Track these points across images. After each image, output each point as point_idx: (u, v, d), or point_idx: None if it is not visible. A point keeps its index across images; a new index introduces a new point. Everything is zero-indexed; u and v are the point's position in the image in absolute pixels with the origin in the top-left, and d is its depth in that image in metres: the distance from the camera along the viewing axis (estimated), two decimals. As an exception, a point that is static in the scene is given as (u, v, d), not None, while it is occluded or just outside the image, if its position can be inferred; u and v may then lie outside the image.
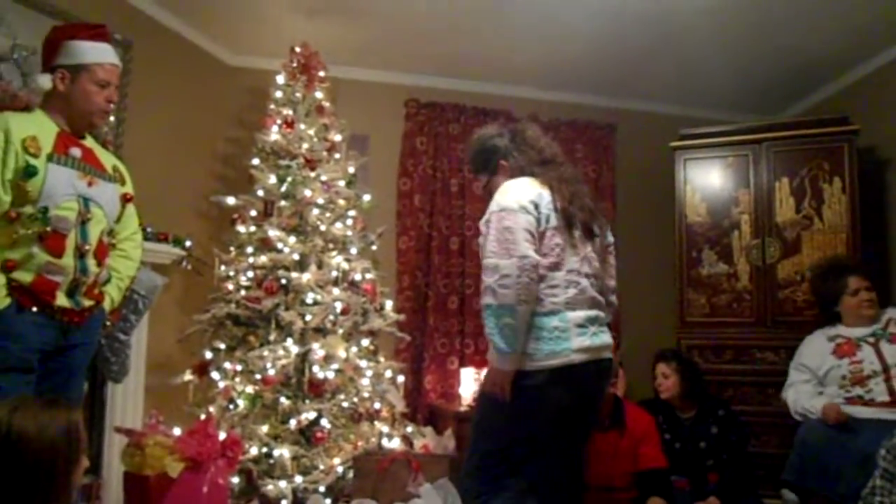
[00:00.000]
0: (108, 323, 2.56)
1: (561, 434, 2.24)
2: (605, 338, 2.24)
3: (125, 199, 2.42)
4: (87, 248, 2.21)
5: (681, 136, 4.41)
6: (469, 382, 4.32)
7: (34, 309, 2.11)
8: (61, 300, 2.17)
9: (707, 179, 4.31)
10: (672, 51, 4.30)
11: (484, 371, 4.27)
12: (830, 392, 3.14)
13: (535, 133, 2.42)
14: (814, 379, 3.23)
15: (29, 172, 2.07)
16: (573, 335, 2.13)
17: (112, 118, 3.38)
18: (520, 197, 2.16)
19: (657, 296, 4.77)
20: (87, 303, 2.26)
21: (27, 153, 2.08)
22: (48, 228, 2.11)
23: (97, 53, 2.28)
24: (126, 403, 3.47)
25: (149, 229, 3.37)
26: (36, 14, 3.07)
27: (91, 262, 2.24)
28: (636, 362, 4.48)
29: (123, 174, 2.45)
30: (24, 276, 2.09)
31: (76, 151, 2.22)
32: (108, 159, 2.39)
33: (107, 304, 2.39)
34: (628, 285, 4.91)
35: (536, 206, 2.15)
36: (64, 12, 3.14)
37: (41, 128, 2.17)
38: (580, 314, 2.17)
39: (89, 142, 2.33)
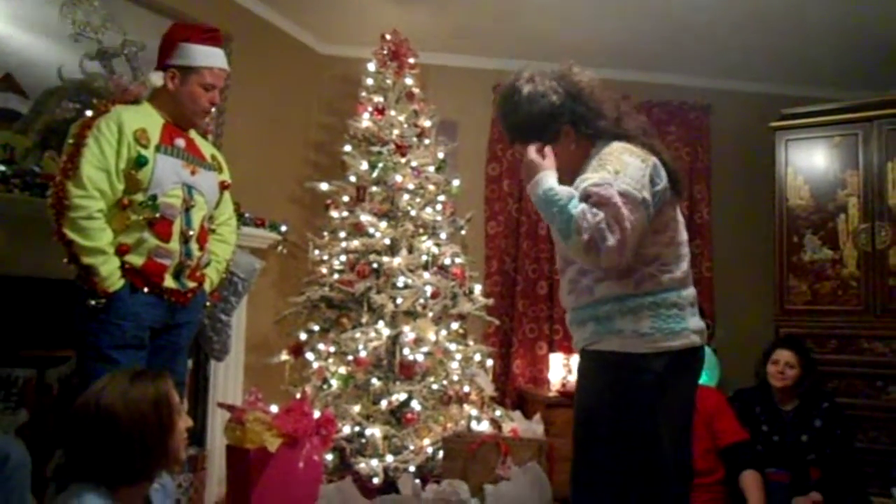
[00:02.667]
0: (209, 303, 2.69)
1: (678, 441, 1.88)
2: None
3: (223, 187, 2.56)
4: (191, 233, 2.34)
5: (783, 115, 4.21)
6: (558, 367, 4.29)
7: (145, 290, 2.24)
8: (169, 282, 2.30)
9: (810, 161, 4.10)
10: (768, 24, 4.08)
11: (573, 359, 4.26)
12: None
13: (591, 81, 1.93)
14: None
15: (140, 162, 2.20)
16: (689, 314, 1.83)
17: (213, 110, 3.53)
18: (643, 183, 1.74)
19: (754, 283, 4.60)
20: (191, 284, 2.39)
21: (138, 144, 2.21)
22: (157, 215, 2.24)
23: (207, 57, 2.39)
24: (227, 381, 3.63)
25: (246, 215, 3.51)
26: (145, 11, 3.24)
27: (194, 247, 2.36)
28: (731, 351, 4.35)
29: (221, 163, 2.58)
30: (136, 260, 2.23)
31: (181, 142, 2.35)
32: (207, 149, 2.52)
33: (207, 286, 2.52)
34: (723, 271, 4.81)
35: (654, 195, 1.77)
36: (170, 9, 3.29)
37: (149, 120, 2.30)
38: (692, 291, 1.88)
39: (191, 132, 2.46)
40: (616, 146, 1.82)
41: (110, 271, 2.15)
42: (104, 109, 2.24)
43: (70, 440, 1.56)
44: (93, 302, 2.14)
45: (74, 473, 1.53)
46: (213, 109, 2.48)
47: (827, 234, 4.02)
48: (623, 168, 1.75)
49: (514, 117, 1.94)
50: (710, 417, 2.97)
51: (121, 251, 2.20)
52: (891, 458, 3.05)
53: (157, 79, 2.37)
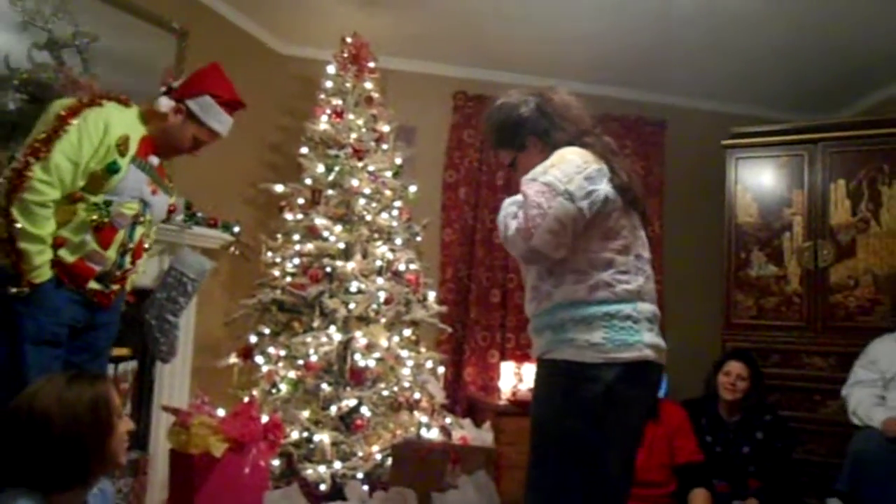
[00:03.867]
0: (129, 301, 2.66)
1: (623, 453, 1.89)
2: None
3: (169, 210, 2.59)
4: (130, 246, 2.33)
5: (733, 134, 4.31)
6: (509, 376, 4.31)
7: (69, 286, 2.20)
8: (92, 284, 2.27)
9: (759, 179, 4.21)
10: (723, 47, 4.21)
11: (524, 368, 4.27)
12: (893, 397, 3.06)
13: (563, 99, 2.03)
14: (880, 380, 3.16)
15: (112, 169, 2.18)
16: (644, 329, 1.83)
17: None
18: (572, 176, 1.81)
19: (703, 296, 4.71)
20: (114, 286, 2.36)
21: (117, 151, 2.18)
22: (106, 220, 2.21)
23: (220, 124, 2.46)
24: (173, 383, 3.56)
25: (199, 214, 3.45)
26: (98, 2, 3.16)
27: (127, 260, 2.36)
28: (679, 362, 4.42)
29: (173, 186, 2.59)
30: (67, 256, 2.18)
31: (154, 160, 2.35)
32: (168, 170, 2.52)
33: (128, 286, 2.48)
34: (673, 284, 4.90)
35: (589, 194, 1.81)
36: (124, 1, 3.22)
37: (133, 128, 2.28)
38: (650, 307, 1.88)
39: None
40: (568, 148, 1.91)
41: (42, 262, 2.10)
42: (95, 102, 2.20)
43: (1, 444, 1.50)
44: (14, 290, 2.07)
45: (6, 479, 1.48)
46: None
47: (773, 251, 4.13)
48: (559, 163, 1.85)
49: (489, 123, 2.11)
50: (672, 434, 3.02)
51: (56, 243, 2.15)
52: (827, 469, 3.14)
53: (164, 104, 2.36)
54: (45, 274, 2.11)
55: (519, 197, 1.88)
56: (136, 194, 2.28)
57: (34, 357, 2.09)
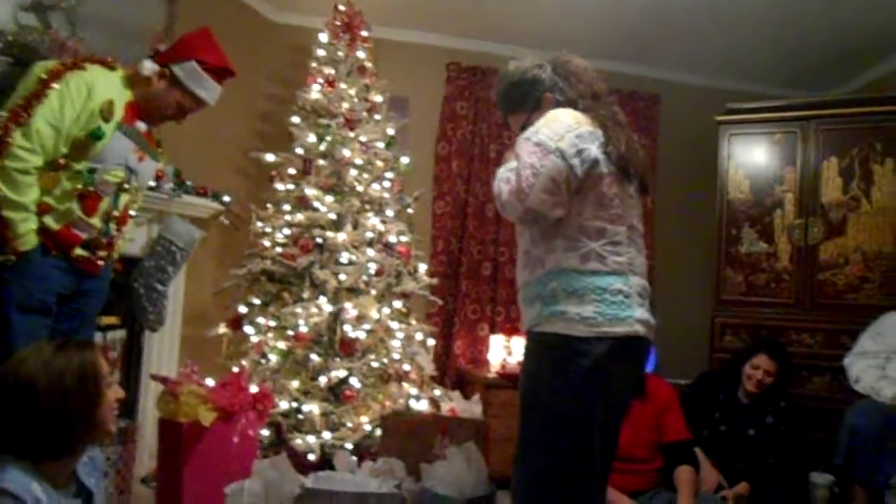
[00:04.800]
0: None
1: (608, 427, 1.88)
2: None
3: (157, 176, 2.52)
4: (115, 213, 2.30)
5: (727, 110, 4.29)
6: (499, 349, 4.33)
7: (55, 253, 2.18)
8: (78, 251, 2.24)
9: (752, 156, 4.20)
10: (719, 21, 4.16)
11: (514, 341, 4.28)
12: (893, 368, 3.10)
13: (580, 63, 2.03)
14: (884, 352, 3.18)
15: (96, 136, 2.13)
16: (635, 303, 1.82)
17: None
18: (563, 134, 1.79)
19: (694, 272, 4.73)
20: (101, 253, 2.33)
21: (101, 117, 2.13)
22: (90, 188, 2.18)
23: (206, 91, 2.38)
24: (162, 352, 3.55)
25: (188, 183, 3.41)
26: (84, -37, 3.09)
27: (113, 226, 2.33)
28: (668, 338, 4.45)
29: (161, 150, 2.53)
30: (53, 224, 2.15)
31: (141, 126, 2.31)
32: (157, 135, 2.46)
33: (115, 254, 2.45)
34: (664, 259, 4.91)
35: (580, 152, 1.79)
36: (112, -38, 3.15)
37: (118, 92, 2.22)
38: (640, 281, 1.87)
39: None
40: (560, 109, 1.90)
41: (27, 230, 2.08)
42: (78, 65, 2.15)
43: None
44: (1, 258, 2.06)
45: (-4, 446, 1.47)
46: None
47: (763, 228, 4.14)
48: (551, 121, 1.83)
49: (499, 87, 2.08)
50: (661, 411, 3.01)
51: (41, 210, 2.12)
52: (814, 445, 3.17)
53: (148, 67, 2.30)
54: (30, 242, 2.09)
55: (513, 163, 1.86)
56: (121, 161, 2.24)
57: (22, 325, 2.08)
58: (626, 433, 2.51)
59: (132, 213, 2.45)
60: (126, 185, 2.30)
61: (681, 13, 4.11)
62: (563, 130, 1.80)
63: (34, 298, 2.13)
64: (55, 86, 2.07)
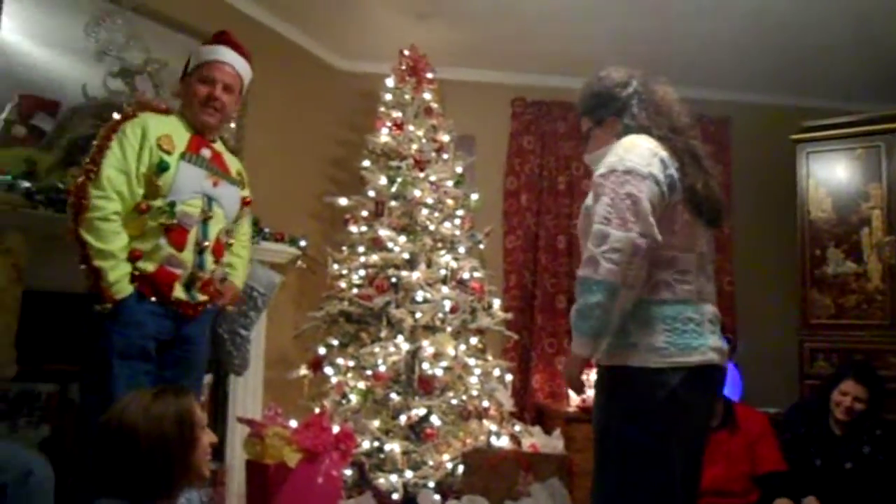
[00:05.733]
0: (230, 308, 2.69)
1: (688, 458, 1.83)
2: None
3: (244, 203, 2.55)
4: (206, 244, 2.33)
5: (803, 128, 4.18)
6: (577, 383, 4.25)
7: (153, 299, 2.23)
8: (178, 292, 2.28)
9: (832, 173, 4.07)
10: (787, 37, 4.07)
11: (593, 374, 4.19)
12: None
13: (666, 94, 1.97)
14: None
15: (162, 168, 2.21)
16: (707, 331, 1.78)
17: (233, 125, 3.55)
18: (650, 160, 1.75)
19: (777, 296, 4.55)
20: (202, 297, 2.36)
21: (161, 150, 2.22)
22: (174, 221, 2.23)
23: (209, 53, 2.41)
24: (247, 395, 3.64)
25: (266, 229, 3.53)
26: (167, 30, 3.28)
27: (208, 259, 2.35)
28: (753, 365, 4.30)
29: (245, 179, 2.58)
30: (148, 266, 2.21)
31: (206, 152, 2.36)
32: (234, 164, 2.52)
33: (237, 281, 2.54)
34: (746, 285, 4.76)
35: (667, 177, 1.76)
36: (192, 27, 3.33)
37: (176, 129, 2.31)
38: (711, 309, 1.84)
39: (219, 146, 2.47)
40: (634, 136, 1.85)
41: (118, 277, 2.13)
42: (131, 114, 2.25)
43: (95, 457, 1.57)
44: (98, 307, 2.12)
45: (100, 489, 1.54)
46: (218, 103, 2.39)
47: (850, 248, 3.97)
48: (632, 148, 1.78)
49: (583, 89, 2.09)
50: (754, 441, 2.89)
51: (133, 256, 2.19)
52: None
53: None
54: (124, 289, 2.15)
55: (600, 207, 1.75)
56: (197, 189, 2.29)
57: (122, 371, 2.14)
58: (719, 466, 2.42)
59: (229, 241, 2.48)
60: (210, 214, 2.33)
61: (747, 34, 4.03)
62: (648, 156, 1.77)
63: (133, 345, 2.18)
64: (114, 136, 2.18)
